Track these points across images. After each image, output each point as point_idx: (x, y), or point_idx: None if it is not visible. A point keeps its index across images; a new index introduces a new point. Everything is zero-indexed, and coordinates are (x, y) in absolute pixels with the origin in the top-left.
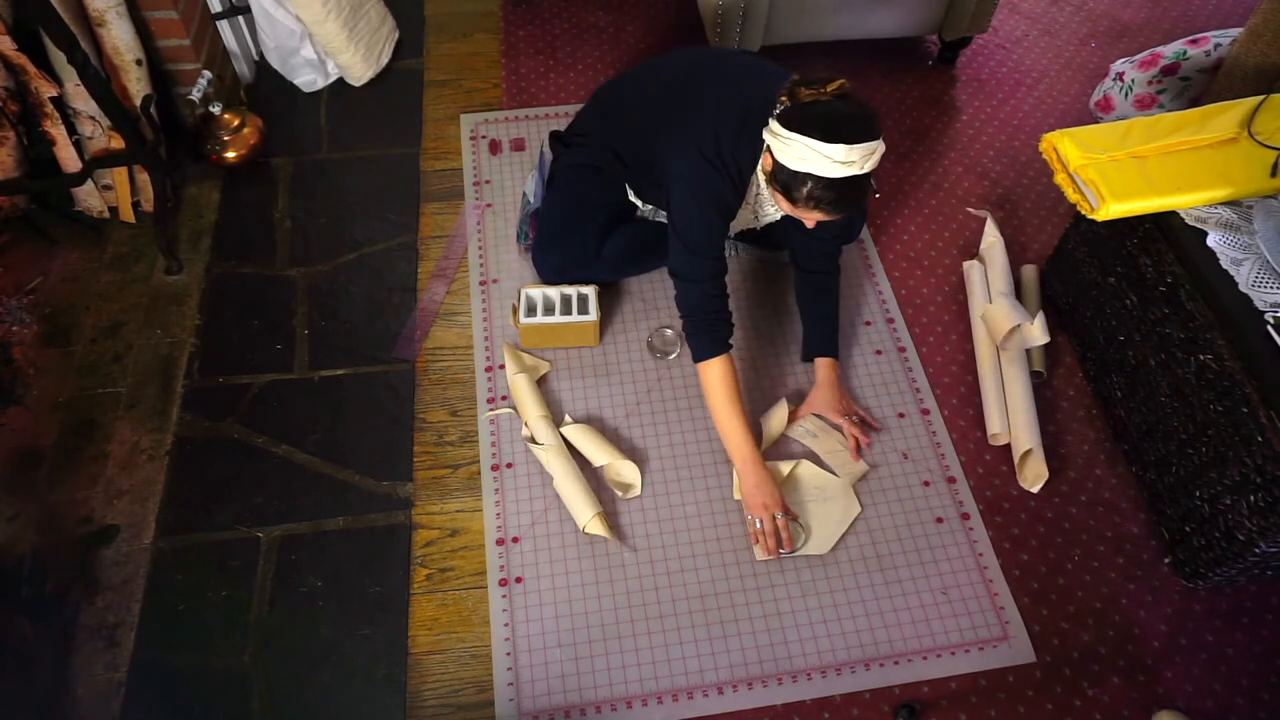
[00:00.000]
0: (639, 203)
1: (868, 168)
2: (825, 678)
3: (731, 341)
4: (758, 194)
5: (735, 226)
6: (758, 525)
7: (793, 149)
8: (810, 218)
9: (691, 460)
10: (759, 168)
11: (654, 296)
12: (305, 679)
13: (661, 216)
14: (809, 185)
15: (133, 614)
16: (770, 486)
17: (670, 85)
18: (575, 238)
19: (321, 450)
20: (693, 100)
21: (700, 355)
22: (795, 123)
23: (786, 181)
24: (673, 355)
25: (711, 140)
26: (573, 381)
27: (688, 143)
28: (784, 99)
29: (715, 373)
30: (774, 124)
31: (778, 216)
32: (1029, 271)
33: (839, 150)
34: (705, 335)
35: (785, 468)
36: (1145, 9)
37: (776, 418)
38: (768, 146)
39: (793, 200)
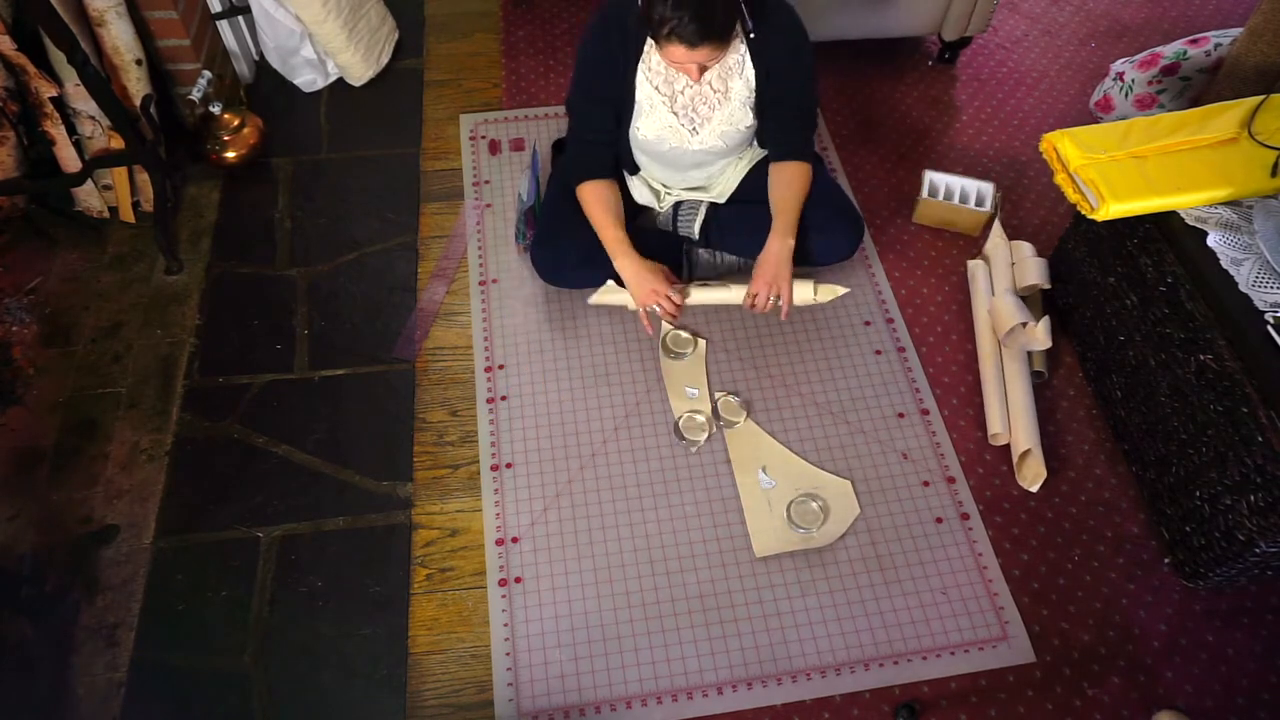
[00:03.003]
0: (637, 197)
1: None
2: (825, 678)
3: (610, 172)
4: (664, 78)
5: (657, 130)
6: (654, 309)
7: None
8: (677, 56)
9: (691, 460)
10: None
11: None
12: (305, 679)
13: (662, 220)
14: (658, 9)
15: (133, 614)
16: (652, 276)
17: None
18: (573, 236)
19: (321, 450)
20: None
21: (578, 179)
22: None
23: (645, 14)
24: (699, 445)
25: (602, 21)
26: (572, 383)
27: (591, 19)
28: None
29: (589, 191)
30: None
31: (718, 132)
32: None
33: None
34: (582, 163)
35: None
36: (1145, 9)
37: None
38: None
39: (655, 37)
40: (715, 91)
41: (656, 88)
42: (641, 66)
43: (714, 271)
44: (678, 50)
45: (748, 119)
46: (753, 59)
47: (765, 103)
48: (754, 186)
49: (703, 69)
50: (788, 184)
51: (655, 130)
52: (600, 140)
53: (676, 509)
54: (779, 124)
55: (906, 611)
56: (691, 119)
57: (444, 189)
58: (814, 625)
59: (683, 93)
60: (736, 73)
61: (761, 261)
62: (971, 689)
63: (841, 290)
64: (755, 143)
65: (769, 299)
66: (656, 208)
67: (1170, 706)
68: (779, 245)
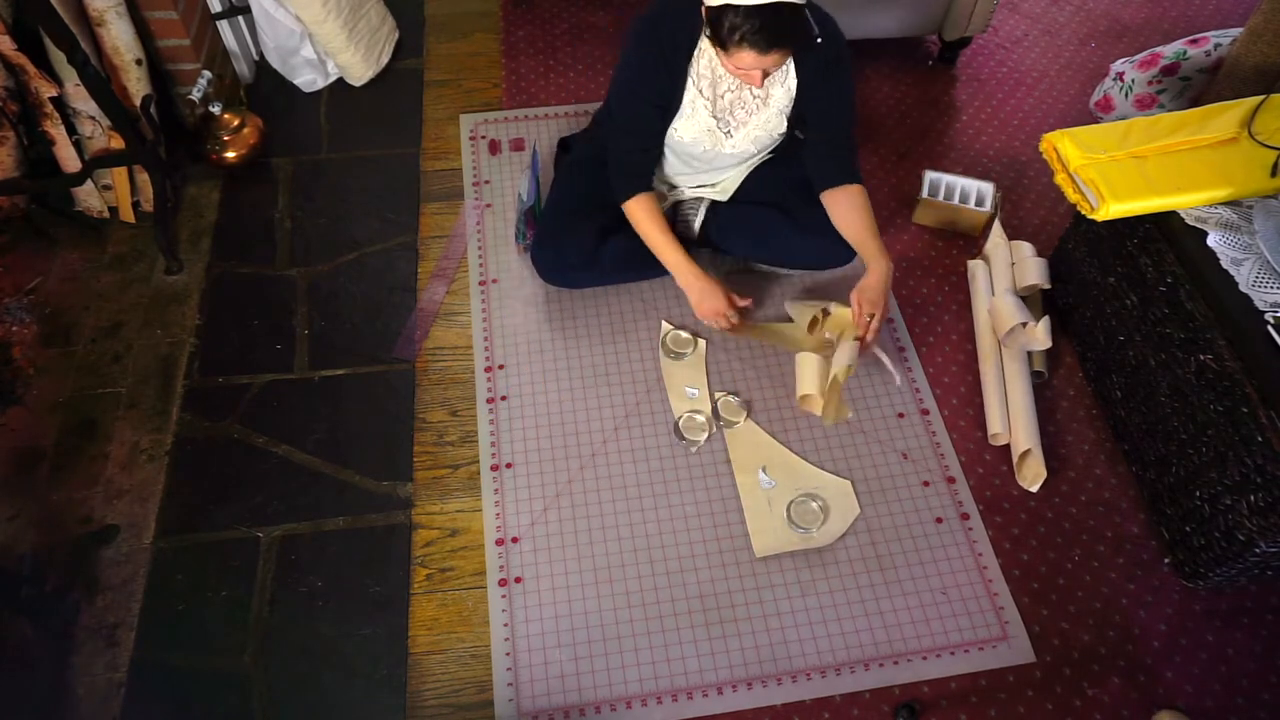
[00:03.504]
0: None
1: None
2: (825, 678)
3: (651, 186)
4: (709, 81)
5: (694, 133)
6: (717, 323)
7: None
8: (745, 62)
9: (691, 460)
10: (702, 37)
11: (654, 298)
12: (305, 679)
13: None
14: (730, 16)
15: (133, 614)
16: (717, 291)
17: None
18: (574, 237)
19: (321, 450)
20: (654, 4)
21: (625, 196)
22: None
23: (714, 22)
24: (698, 445)
25: (651, 20)
26: (572, 382)
27: (633, 30)
28: None
29: (639, 207)
30: None
31: (751, 136)
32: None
33: None
34: (625, 180)
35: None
36: (1145, 9)
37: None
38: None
39: (722, 42)
40: (755, 97)
41: (701, 90)
42: (691, 70)
43: (716, 272)
44: (747, 56)
45: (782, 126)
46: (796, 68)
47: (804, 120)
48: (755, 185)
49: (765, 74)
50: (856, 211)
51: (693, 133)
52: (646, 145)
53: (676, 509)
54: (824, 148)
55: (906, 611)
56: (729, 122)
57: (444, 189)
58: (814, 625)
59: (723, 96)
60: (779, 80)
61: (867, 285)
62: (971, 689)
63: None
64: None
65: (866, 325)
66: (662, 190)
67: (1170, 706)
68: (883, 268)
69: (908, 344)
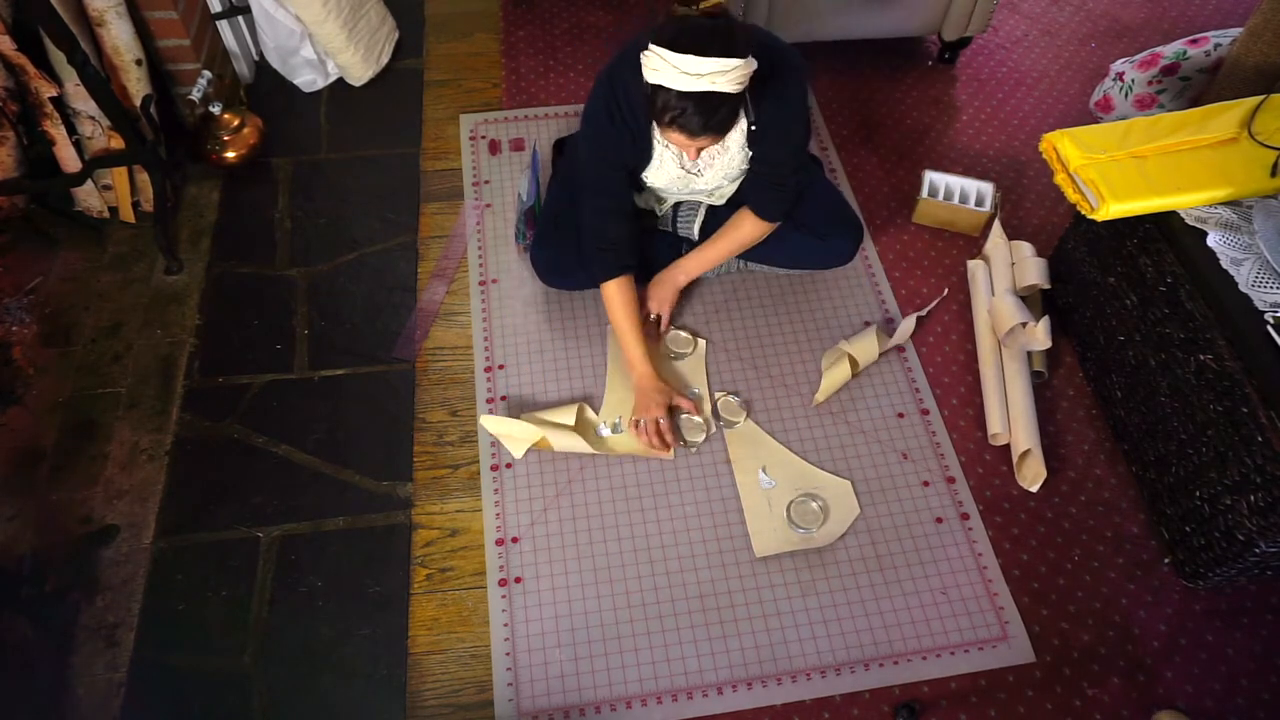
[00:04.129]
0: (638, 203)
1: (721, 85)
2: (825, 678)
3: (632, 267)
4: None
5: (665, 181)
6: (640, 424)
7: (650, 61)
8: (677, 140)
9: (691, 460)
10: None
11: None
12: (305, 679)
13: (662, 221)
14: (662, 97)
15: (133, 614)
16: (659, 395)
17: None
18: (573, 237)
19: (321, 450)
20: (621, 55)
21: (601, 277)
22: (657, 36)
23: (650, 96)
24: (697, 446)
25: (607, 81)
26: (572, 382)
27: (594, 90)
28: (661, 20)
29: (614, 293)
30: (649, 43)
31: (720, 175)
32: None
33: (688, 61)
34: (603, 258)
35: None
36: (1145, 9)
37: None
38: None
39: (658, 119)
40: (721, 146)
41: (666, 145)
42: (655, 129)
43: (715, 273)
44: (678, 137)
45: (746, 159)
46: (747, 116)
47: (752, 157)
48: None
49: (698, 151)
50: (735, 228)
51: (663, 180)
52: (618, 205)
53: (676, 509)
54: (759, 189)
55: (906, 611)
56: (697, 165)
57: (444, 189)
58: (814, 625)
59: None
60: (735, 127)
61: (660, 282)
62: (971, 689)
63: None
64: None
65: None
66: (657, 211)
67: (1170, 706)
68: (673, 274)
69: (908, 344)
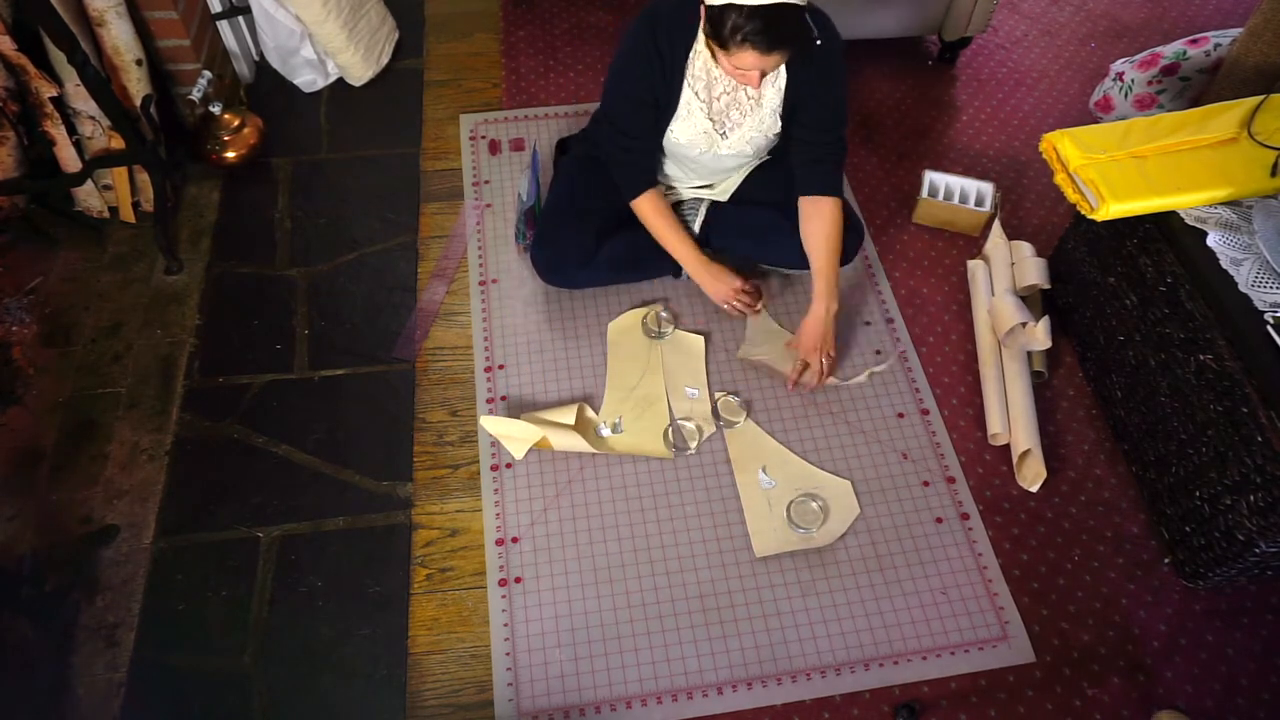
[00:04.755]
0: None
1: None
2: (825, 678)
3: (655, 181)
4: (705, 83)
5: (690, 135)
6: (733, 305)
7: None
8: (745, 63)
9: (691, 461)
10: (699, 38)
11: (654, 298)
12: (305, 679)
13: None
14: (733, 16)
15: (133, 614)
16: (724, 275)
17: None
18: (573, 238)
19: (321, 450)
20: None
21: (631, 194)
22: None
23: (714, 20)
24: (691, 451)
25: (649, 17)
26: (572, 382)
27: (631, 28)
28: None
29: (648, 204)
30: None
31: (746, 138)
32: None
33: None
34: (628, 173)
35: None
36: (1145, 9)
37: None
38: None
39: (723, 42)
40: (750, 98)
41: (696, 92)
42: (687, 72)
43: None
44: (749, 57)
45: (776, 126)
46: (787, 66)
47: (793, 118)
48: (755, 186)
49: (763, 75)
50: (825, 235)
51: (689, 134)
52: (642, 147)
53: (676, 509)
54: (811, 150)
55: (906, 611)
56: (724, 124)
57: (444, 189)
58: (814, 625)
59: (719, 98)
60: (771, 81)
61: (805, 329)
62: (971, 689)
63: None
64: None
65: (820, 368)
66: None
67: (1170, 706)
68: (822, 310)
69: (908, 344)
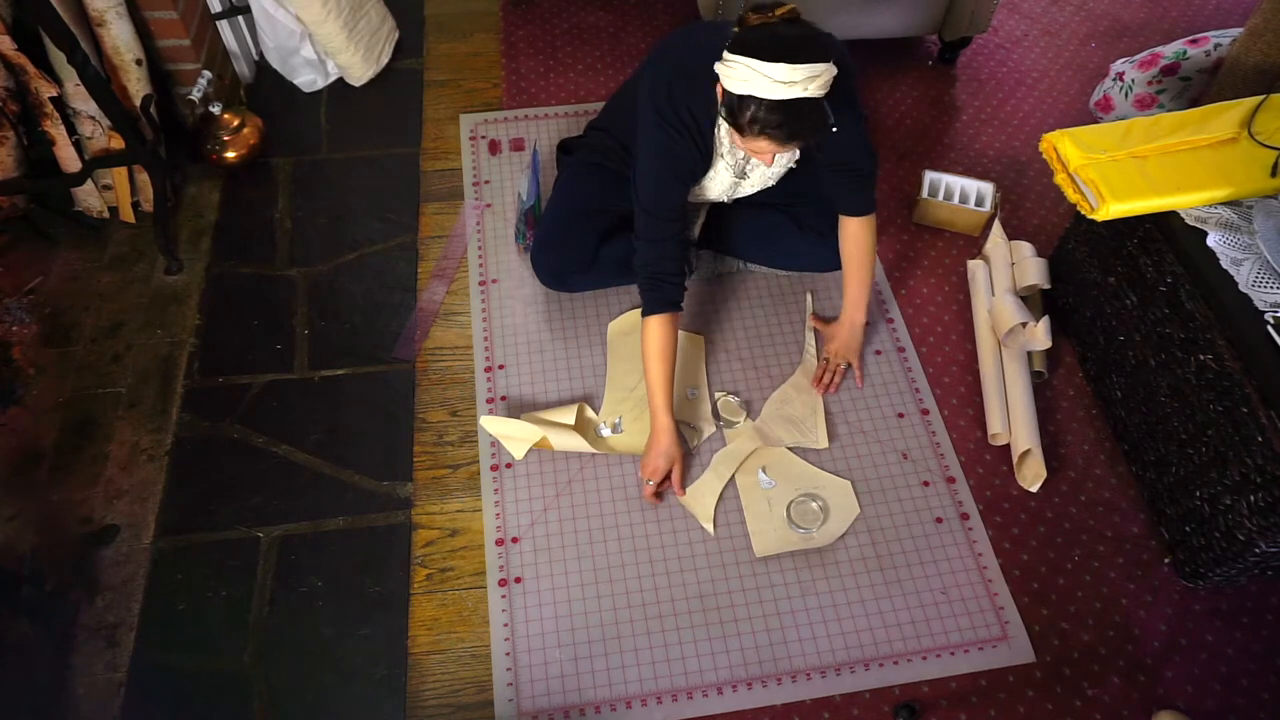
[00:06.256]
0: None
1: (812, 90)
2: (825, 678)
3: (680, 304)
4: (730, 146)
5: (719, 189)
6: (649, 483)
7: (736, 71)
8: (761, 149)
9: (691, 461)
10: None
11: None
12: (305, 679)
13: None
14: (752, 108)
15: (133, 614)
16: (671, 454)
17: (652, 60)
18: (574, 240)
19: (321, 450)
20: (660, 67)
21: (648, 310)
22: (739, 46)
23: (733, 107)
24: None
25: (665, 94)
26: (572, 382)
27: (649, 107)
28: (735, 28)
29: (655, 330)
30: (725, 53)
31: (766, 175)
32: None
33: (780, 69)
34: (653, 293)
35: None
36: (1145, 9)
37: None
38: (718, 78)
39: (740, 128)
40: None
41: (722, 155)
42: (715, 145)
43: (714, 273)
44: (764, 145)
45: (792, 161)
46: (828, 112)
47: (821, 163)
48: (760, 192)
49: (775, 156)
50: (859, 249)
51: (718, 190)
52: (678, 234)
53: (677, 509)
54: (840, 186)
55: (906, 611)
56: (744, 169)
57: (444, 189)
58: (814, 625)
59: (741, 153)
60: None
61: (838, 334)
62: (971, 689)
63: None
64: None
65: (839, 369)
66: None
67: (1170, 706)
68: (859, 318)
69: (908, 344)
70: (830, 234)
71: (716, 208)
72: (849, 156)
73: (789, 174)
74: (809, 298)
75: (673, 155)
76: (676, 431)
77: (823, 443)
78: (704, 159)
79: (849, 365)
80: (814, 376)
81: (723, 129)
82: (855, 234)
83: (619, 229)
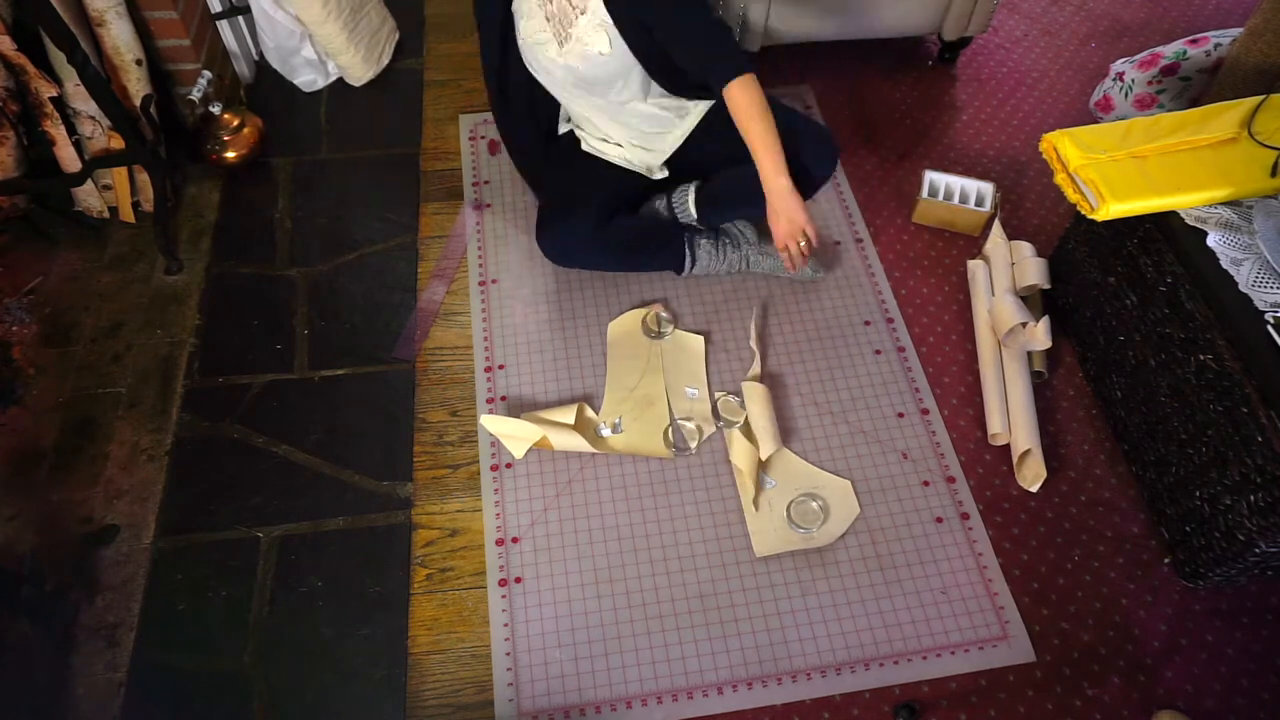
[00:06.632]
0: (614, 159)
1: None
2: (825, 678)
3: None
4: None
5: (534, 30)
6: (792, 248)
7: None
8: None
9: (691, 461)
10: None
11: (655, 297)
12: (305, 679)
13: (661, 207)
14: None
15: (133, 614)
16: (795, 212)
17: None
18: (578, 215)
19: (321, 450)
20: None
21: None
22: None
23: None
24: (690, 450)
25: None
26: (572, 382)
27: None
28: None
29: (751, 90)
30: None
31: (573, 49)
32: (1035, 266)
33: None
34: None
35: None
36: (1145, 9)
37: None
38: None
39: None
40: (574, 7)
41: None
42: None
43: (715, 267)
44: None
45: (604, 45)
46: None
47: (665, 38)
48: (716, 144)
49: None
50: (746, 114)
51: (531, 32)
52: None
53: (676, 509)
54: (691, 57)
55: (906, 611)
56: (559, 30)
57: (444, 189)
58: (814, 625)
59: (552, 1)
60: None
61: (772, 210)
62: (971, 689)
63: None
64: (674, 95)
65: (800, 245)
66: (636, 168)
67: (1170, 706)
68: (780, 184)
69: (908, 344)
70: (798, 149)
71: (707, 183)
72: (685, 24)
73: (720, 124)
74: (755, 310)
75: None
76: (795, 191)
77: (767, 451)
78: None
79: (806, 236)
80: (786, 267)
81: None
82: (736, 98)
83: (622, 207)
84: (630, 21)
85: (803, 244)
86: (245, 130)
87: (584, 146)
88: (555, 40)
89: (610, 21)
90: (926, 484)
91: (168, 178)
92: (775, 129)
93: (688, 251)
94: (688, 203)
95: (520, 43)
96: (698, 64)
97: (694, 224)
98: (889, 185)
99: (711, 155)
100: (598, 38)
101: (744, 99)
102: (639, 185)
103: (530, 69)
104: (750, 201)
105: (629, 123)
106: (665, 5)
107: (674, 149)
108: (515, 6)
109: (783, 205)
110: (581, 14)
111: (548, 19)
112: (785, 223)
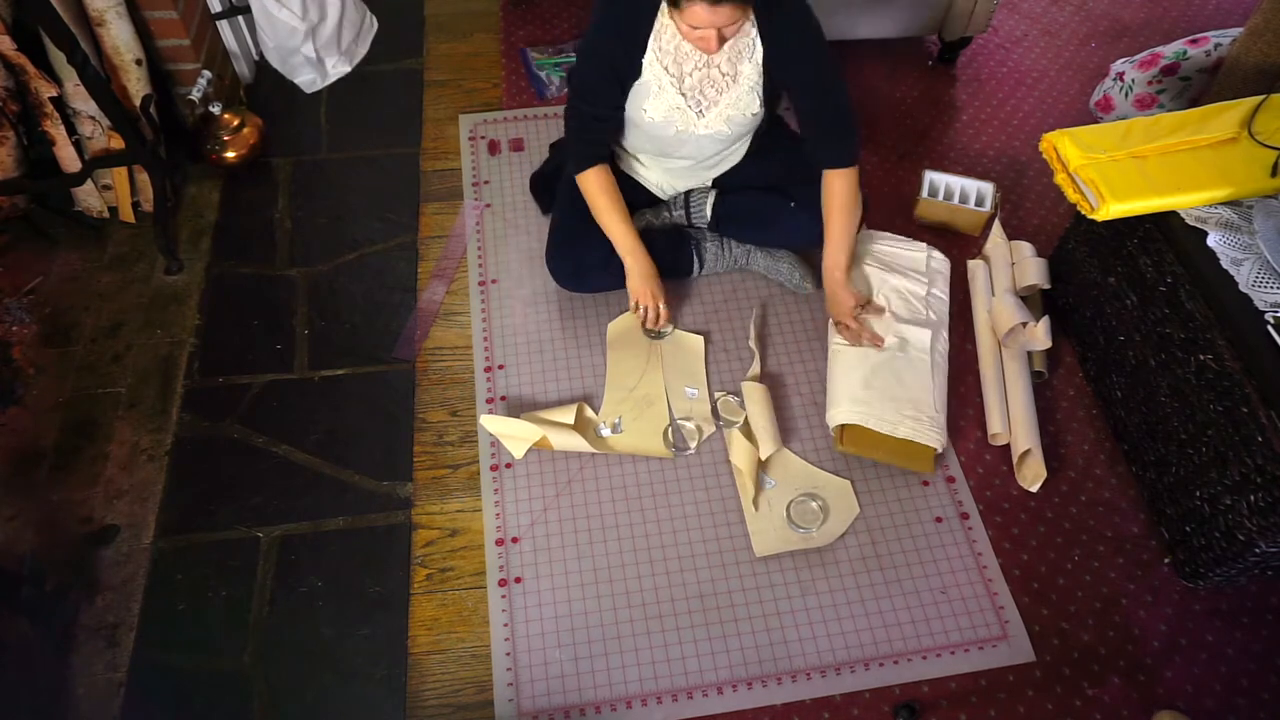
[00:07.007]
0: (647, 186)
1: None
2: (825, 678)
3: (606, 158)
4: (665, 42)
5: (664, 111)
6: (641, 310)
7: None
8: (697, 19)
9: (691, 460)
10: (662, 9)
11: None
12: (305, 679)
13: (677, 214)
14: None
15: (133, 614)
16: (649, 274)
17: None
18: (589, 241)
19: (321, 450)
20: None
21: (579, 167)
22: None
23: None
24: (690, 450)
25: None
26: (572, 382)
27: None
28: None
29: (593, 180)
30: None
31: (726, 114)
32: (1036, 266)
33: None
34: (582, 149)
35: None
36: (1145, 9)
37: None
38: None
39: (676, 1)
40: (724, 75)
41: (665, 67)
42: (652, 45)
43: (721, 267)
44: (699, 11)
45: (755, 105)
46: (763, 42)
47: (780, 96)
48: (752, 171)
49: (721, 39)
50: (839, 204)
51: (663, 112)
52: (603, 116)
53: (676, 509)
54: (818, 126)
55: (906, 611)
56: (699, 100)
57: (444, 189)
58: (814, 625)
59: (691, 74)
60: (746, 56)
61: (827, 293)
62: (971, 689)
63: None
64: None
65: (858, 325)
66: (664, 196)
67: (1170, 706)
68: (833, 279)
69: None
70: (811, 204)
71: (724, 196)
72: (816, 90)
73: (773, 149)
74: (755, 310)
75: (604, 36)
76: (649, 257)
77: (766, 451)
78: (629, 54)
79: (862, 309)
80: (866, 340)
81: (664, 37)
82: (835, 185)
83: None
84: (775, 85)
85: (862, 319)
86: (245, 130)
87: (621, 166)
88: (693, 112)
89: (763, 84)
90: (926, 484)
91: (168, 178)
92: (855, 227)
93: (694, 256)
94: (705, 209)
95: (648, 123)
96: (817, 136)
97: (704, 227)
98: (889, 185)
99: (735, 173)
100: (750, 101)
101: (842, 189)
102: (645, 198)
103: (638, 140)
104: (763, 227)
105: (697, 166)
106: (814, 79)
107: (729, 167)
108: (635, 88)
109: (837, 290)
110: (733, 81)
111: (684, 94)
112: (836, 310)
